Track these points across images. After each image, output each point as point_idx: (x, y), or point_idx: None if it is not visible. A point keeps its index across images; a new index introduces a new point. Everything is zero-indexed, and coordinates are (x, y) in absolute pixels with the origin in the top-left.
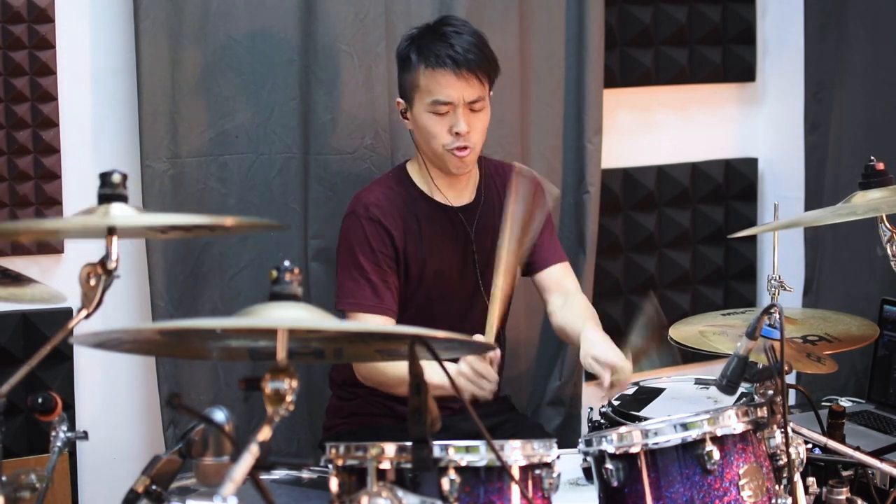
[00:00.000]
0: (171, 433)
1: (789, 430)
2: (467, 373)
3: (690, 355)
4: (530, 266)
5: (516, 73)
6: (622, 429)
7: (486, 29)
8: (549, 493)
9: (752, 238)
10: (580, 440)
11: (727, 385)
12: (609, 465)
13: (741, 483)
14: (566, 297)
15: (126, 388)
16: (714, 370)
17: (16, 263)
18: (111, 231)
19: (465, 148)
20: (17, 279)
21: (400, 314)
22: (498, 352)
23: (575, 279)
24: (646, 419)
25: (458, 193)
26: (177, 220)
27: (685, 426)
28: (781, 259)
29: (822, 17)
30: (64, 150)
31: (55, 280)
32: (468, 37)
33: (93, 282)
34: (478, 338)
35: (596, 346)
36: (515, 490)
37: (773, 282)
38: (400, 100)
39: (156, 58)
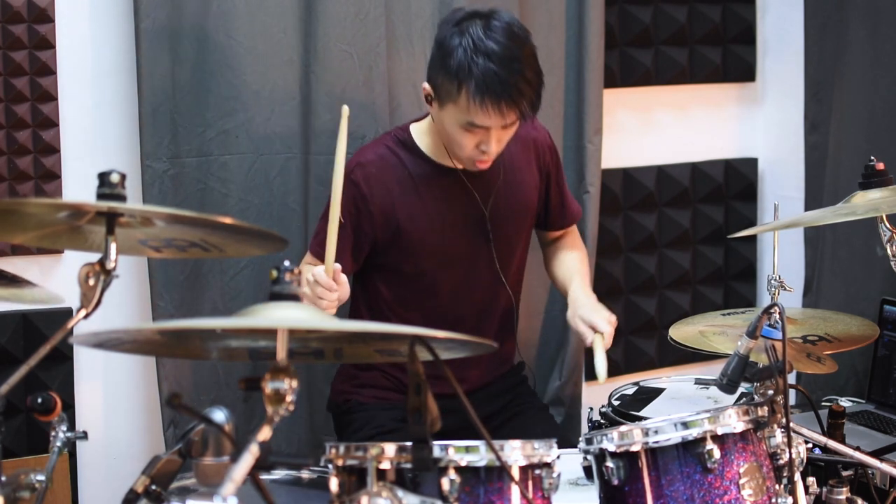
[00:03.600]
0: (171, 433)
1: (790, 429)
2: (309, 281)
3: (690, 355)
4: (551, 223)
5: None
6: (623, 427)
7: None
8: (549, 493)
9: (752, 238)
10: (581, 439)
11: (727, 384)
12: (610, 464)
13: (741, 482)
14: (562, 246)
15: (126, 388)
16: (714, 370)
17: (16, 263)
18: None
19: (487, 160)
20: (13, 281)
21: (408, 281)
22: (339, 266)
23: (576, 228)
24: (646, 419)
25: None
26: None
27: (686, 425)
28: (781, 259)
29: (822, 17)
30: (64, 150)
31: (55, 280)
32: (519, 65)
33: (91, 281)
34: (330, 267)
35: (581, 306)
36: (515, 490)
37: (773, 282)
38: (427, 86)
39: (156, 58)
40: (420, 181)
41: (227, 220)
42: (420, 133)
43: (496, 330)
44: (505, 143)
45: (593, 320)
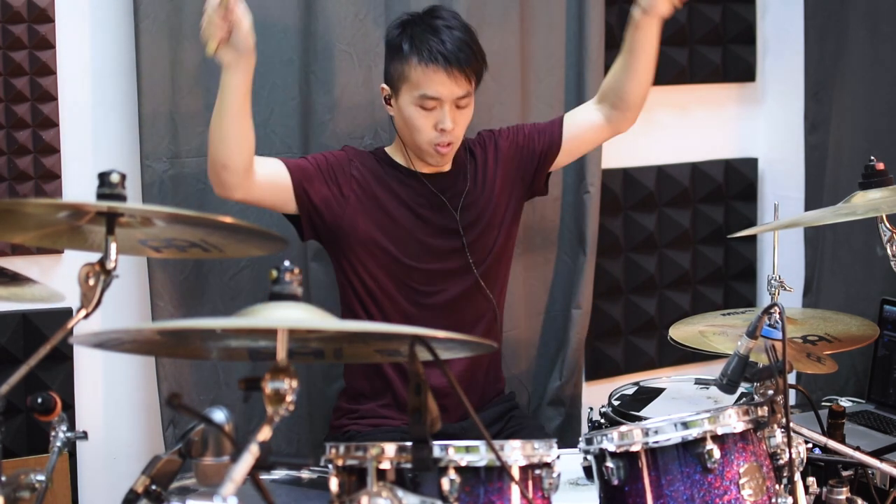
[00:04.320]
0: (171, 433)
1: (790, 429)
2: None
3: (690, 355)
4: (554, 151)
5: (516, 72)
6: (623, 427)
7: (486, 28)
8: (549, 493)
9: (752, 238)
10: (581, 439)
11: (727, 384)
12: (610, 464)
13: (741, 482)
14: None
15: (126, 388)
16: (714, 370)
17: (16, 263)
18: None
19: (448, 144)
20: (14, 279)
21: (382, 279)
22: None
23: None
24: (646, 419)
25: (436, 170)
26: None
27: (686, 425)
28: (781, 259)
29: (822, 17)
30: (64, 150)
31: (55, 280)
32: (459, 33)
33: (91, 281)
34: None
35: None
36: (515, 490)
37: (773, 282)
38: (385, 86)
39: (156, 58)
40: (395, 184)
41: (227, 220)
42: (392, 151)
43: (481, 334)
44: (463, 126)
45: None
